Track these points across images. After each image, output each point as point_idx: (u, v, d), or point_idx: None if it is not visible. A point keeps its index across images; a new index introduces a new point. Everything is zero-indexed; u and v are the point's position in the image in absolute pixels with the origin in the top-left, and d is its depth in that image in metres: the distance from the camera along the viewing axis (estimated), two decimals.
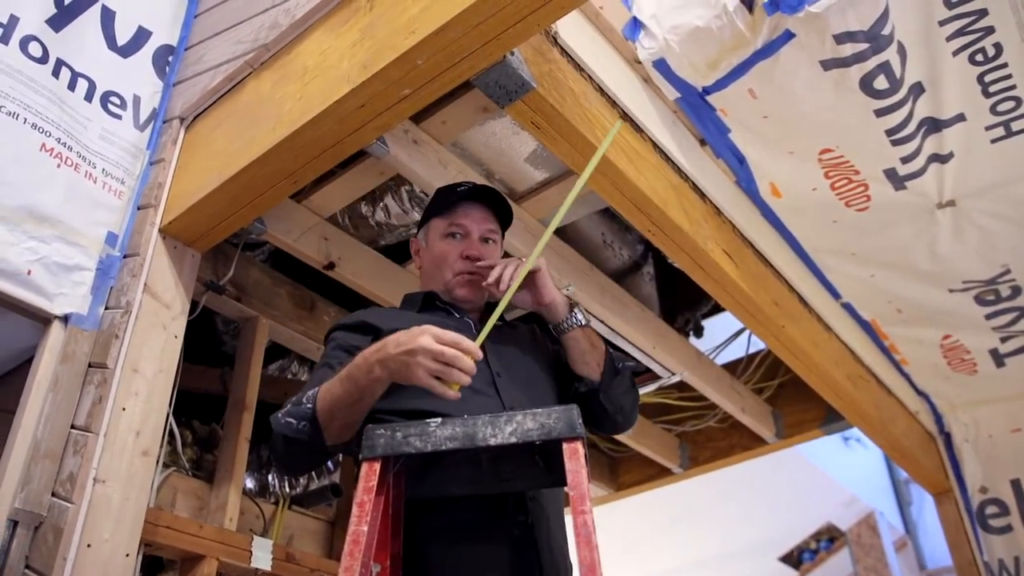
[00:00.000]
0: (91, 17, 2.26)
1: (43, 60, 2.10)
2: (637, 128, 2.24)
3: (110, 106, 2.22)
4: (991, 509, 3.62)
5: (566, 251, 2.73)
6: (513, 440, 1.37)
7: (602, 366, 1.86)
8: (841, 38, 2.03)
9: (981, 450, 3.71)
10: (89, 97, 2.18)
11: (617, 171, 2.09)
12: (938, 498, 3.87)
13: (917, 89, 2.24)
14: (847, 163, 2.44)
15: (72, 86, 2.15)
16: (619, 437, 3.84)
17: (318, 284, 2.96)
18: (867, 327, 3.28)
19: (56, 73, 2.12)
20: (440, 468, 1.53)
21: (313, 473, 3.10)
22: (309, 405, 1.57)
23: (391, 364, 1.51)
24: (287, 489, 2.85)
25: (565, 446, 1.34)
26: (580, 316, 1.85)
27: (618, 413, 1.89)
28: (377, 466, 1.40)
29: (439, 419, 1.41)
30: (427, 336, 1.48)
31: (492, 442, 1.37)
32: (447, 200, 1.96)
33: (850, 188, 2.55)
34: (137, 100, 2.28)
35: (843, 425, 3.75)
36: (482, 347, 1.81)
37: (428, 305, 1.90)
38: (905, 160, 2.40)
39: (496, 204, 1.99)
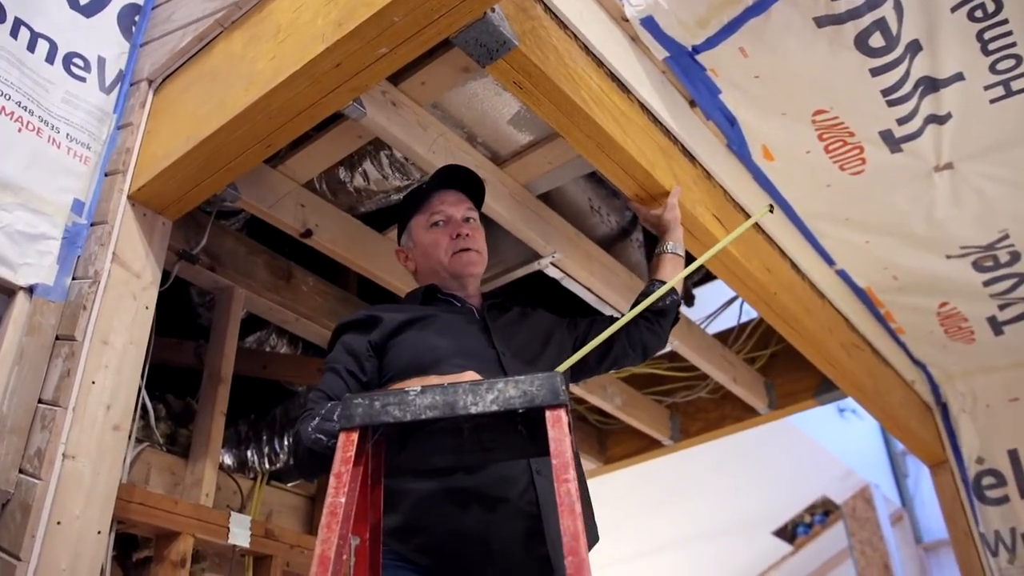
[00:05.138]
0: None
1: (0, 20, 2.01)
2: (624, 88, 2.17)
3: (73, 68, 2.14)
4: (988, 480, 3.60)
5: (552, 217, 2.66)
6: (495, 408, 1.34)
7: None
8: None
9: (978, 420, 3.68)
10: (51, 59, 2.11)
11: (603, 133, 2.02)
12: (934, 469, 3.83)
13: (914, 47, 2.17)
14: (842, 124, 2.38)
15: (32, 47, 2.07)
16: (609, 409, 3.78)
17: (296, 253, 2.89)
18: (862, 294, 3.23)
19: (14, 34, 2.04)
20: (421, 438, 1.50)
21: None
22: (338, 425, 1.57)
23: None
24: (266, 465, 2.80)
25: (548, 414, 1.32)
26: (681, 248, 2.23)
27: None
28: (355, 436, 1.37)
29: (419, 387, 1.38)
30: None
31: (473, 410, 1.34)
32: (419, 196, 2.07)
33: (845, 151, 2.49)
34: (102, 62, 2.20)
35: (837, 395, 3.71)
36: (485, 327, 1.91)
37: (430, 298, 1.99)
38: (901, 121, 2.34)
39: (466, 185, 2.10)
